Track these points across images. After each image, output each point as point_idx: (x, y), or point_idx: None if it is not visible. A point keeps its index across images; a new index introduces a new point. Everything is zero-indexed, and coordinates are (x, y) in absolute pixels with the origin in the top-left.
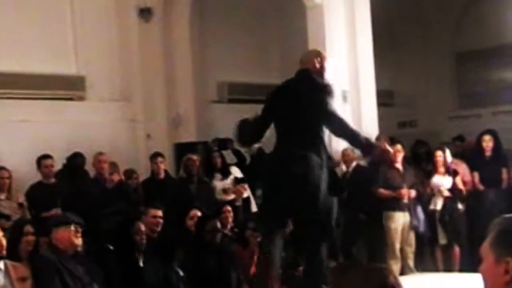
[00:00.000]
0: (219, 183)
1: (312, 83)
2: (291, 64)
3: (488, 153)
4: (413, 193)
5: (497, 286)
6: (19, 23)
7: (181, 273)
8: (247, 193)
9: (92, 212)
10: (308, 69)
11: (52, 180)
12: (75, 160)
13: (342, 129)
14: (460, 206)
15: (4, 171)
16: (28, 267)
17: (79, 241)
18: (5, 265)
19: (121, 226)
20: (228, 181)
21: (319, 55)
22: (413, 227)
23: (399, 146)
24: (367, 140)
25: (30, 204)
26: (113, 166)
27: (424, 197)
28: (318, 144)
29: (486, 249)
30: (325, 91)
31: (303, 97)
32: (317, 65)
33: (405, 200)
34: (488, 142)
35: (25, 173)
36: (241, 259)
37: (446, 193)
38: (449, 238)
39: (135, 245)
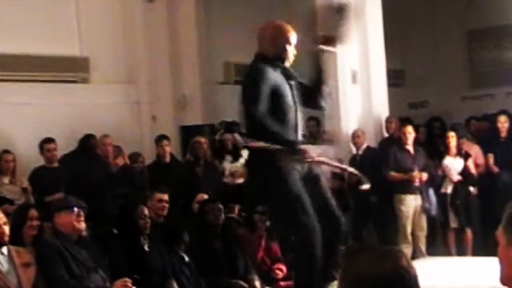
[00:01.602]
0: (228, 166)
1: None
2: None
3: (503, 134)
4: (424, 175)
5: (510, 270)
6: (21, 4)
7: (187, 258)
8: None
9: (96, 196)
10: (256, 53)
11: (56, 164)
12: (88, 141)
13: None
14: (472, 189)
15: (8, 154)
16: (32, 253)
17: (82, 225)
18: (9, 250)
19: (125, 210)
20: (238, 164)
21: (270, 33)
22: (424, 210)
23: (410, 128)
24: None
25: (33, 188)
26: (118, 149)
27: (436, 180)
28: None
29: (500, 232)
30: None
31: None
32: (269, 46)
33: (417, 183)
34: (503, 123)
35: (29, 157)
36: (248, 243)
37: (456, 178)
38: (461, 222)
39: (139, 229)
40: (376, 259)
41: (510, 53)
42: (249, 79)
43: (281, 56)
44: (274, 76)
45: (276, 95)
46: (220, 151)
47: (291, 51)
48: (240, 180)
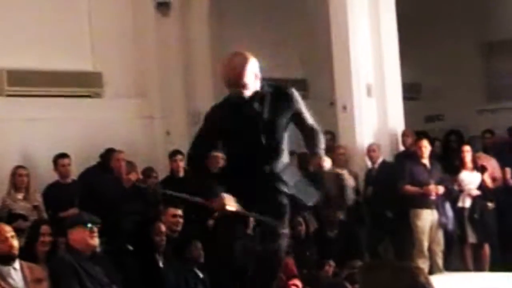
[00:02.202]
0: None
1: None
2: (313, 59)
3: None
4: (440, 189)
5: None
6: (34, 20)
7: (201, 275)
8: None
9: (110, 211)
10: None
11: (69, 179)
12: (109, 155)
13: None
14: (489, 204)
15: (22, 169)
16: (45, 269)
17: (95, 241)
18: (21, 266)
19: (141, 227)
20: None
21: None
22: (441, 224)
23: (425, 142)
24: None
25: (47, 204)
26: (130, 165)
27: (453, 194)
28: None
29: None
30: None
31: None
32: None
33: (433, 197)
34: None
35: (43, 172)
36: None
37: (475, 193)
38: (478, 237)
39: (155, 246)
40: (394, 275)
41: None
42: None
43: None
44: None
45: None
46: None
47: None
48: None
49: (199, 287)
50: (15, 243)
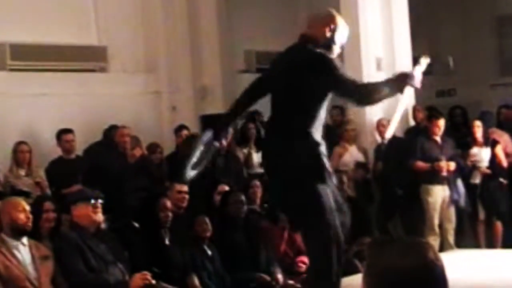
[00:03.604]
0: (255, 156)
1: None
2: None
3: None
4: (452, 165)
5: None
6: None
7: (210, 252)
8: None
9: (115, 188)
10: (307, 36)
11: (73, 155)
12: (112, 132)
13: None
14: (502, 180)
15: (24, 145)
16: (49, 245)
17: (99, 216)
18: (29, 242)
19: (146, 203)
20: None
21: (332, 22)
22: (453, 201)
23: (442, 121)
24: (396, 75)
25: (51, 180)
26: (135, 140)
27: (465, 170)
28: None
29: None
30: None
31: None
32: (327, 35)
33: (444, 173)
34: None
35: (46, 148)
36: (271, 236)
37: (484, 169)
38: (490, 214)
39: (160, 222)
40: (403, 251)
41: None
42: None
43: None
44: None
45: None
46: (243, 141)
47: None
48: None
49: (207, 265)
50: (31, 217)
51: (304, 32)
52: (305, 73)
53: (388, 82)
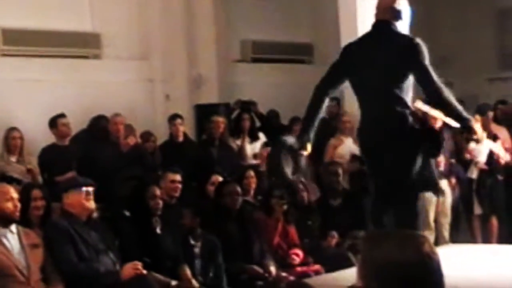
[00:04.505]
0: (248, 147)
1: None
2: (319, 23)
3: None
4: (449, 160)
5: None
6: None
7: (192, 241)
8: None
9: (107, 177)
10: (384, 21)
11: (67, 142)
12: (99, 123)
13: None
14: (499, 176)
15: (15, 131)
16: (39, 234)
17: (91, 204)
18: (17, 229)
19: (136, 191)
20: (258, 145)
21: (395, 2)
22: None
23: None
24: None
25: (43, 167)
26: (129, 128)
27: (462, 164)
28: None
29: None
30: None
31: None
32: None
33: (441, 168)
34: None
35: (38, 135)
36: (264, 227)
37: (481, 164)
38: (486, 209)
39: (151, 210)
40: (398, 245)
41: None
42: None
43: None
44: None
45: None
46: (237, 131)
47: None
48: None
49: (194, 257)
50: (19, 205)
51: (379, 18)
52: (402, 57)
53: (460, 109)
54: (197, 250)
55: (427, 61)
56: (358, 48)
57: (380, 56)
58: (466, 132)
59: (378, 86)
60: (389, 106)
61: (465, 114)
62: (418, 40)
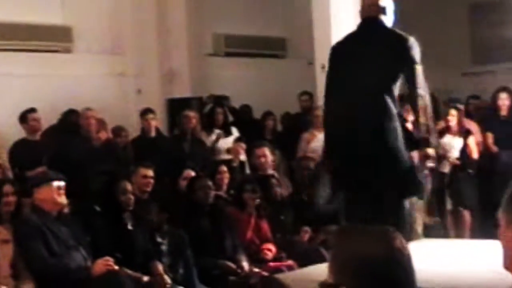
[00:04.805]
0: (221, 141)
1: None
2: (292, 17)
3: (503, 112)
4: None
5: (510, 252)
6: None
7: (159, 239)
8: (244, 154)
9: (79, 172)
10: (374, 17)
11: (37, 136)
12: (70, 117)
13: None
14: (470, 170)
15: None
16: (10, 229)
17: (63, 199)
18: None
19: (107, 186)
20: (230, 140)
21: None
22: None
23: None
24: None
25: (14, 162)
26: (101, 123)
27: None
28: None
29: (500, 214)
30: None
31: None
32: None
33: (415, 162)
34: (504, 100)
35: (8, 130)
36: (237, 222)
37: (454, 159)
38: (458, 203)
39: (122, 205)
40: (369, 240)
41: None
42: None
43: None
44: None
45: None
46: (209, 126)
47: None
48: (242, 157)
49: (162, 255)
50: None
51: (365, 15)
52: (394, 53)
53: (424, 129)
54: (164, 247)
55: (418, 60)
56: (347, 47)
57: (370, 54)
58: (422, 152)
59: (367, 85)
60: (376, 105)
61: (427, 135)
62: (411, 37)
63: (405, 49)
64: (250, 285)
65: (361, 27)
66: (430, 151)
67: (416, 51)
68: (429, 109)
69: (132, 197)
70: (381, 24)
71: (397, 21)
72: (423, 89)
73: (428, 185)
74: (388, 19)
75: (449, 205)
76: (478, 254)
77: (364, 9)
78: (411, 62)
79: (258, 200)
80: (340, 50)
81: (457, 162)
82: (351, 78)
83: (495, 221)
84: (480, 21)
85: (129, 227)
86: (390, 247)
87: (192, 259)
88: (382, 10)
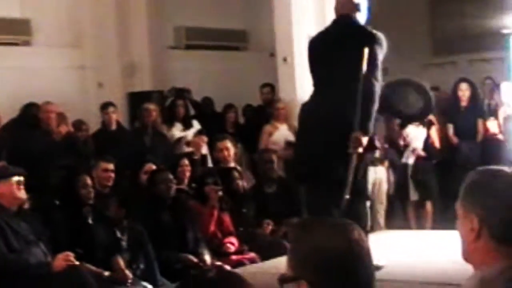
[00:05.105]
0: (179, 134)
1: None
2: (253, 9)
3: (464, 103)
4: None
5: (468, 243)
6: None
7: (119, 235)
8: (205, 147)
9: (39, 166)
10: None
11: None
12: (30, 111)
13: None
14: (433, 161)
15: None
16: None
17: (22, 193)
18: None
19: (67, 180)
20: (190, 134)
21: None
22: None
23: None
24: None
25: None
26: (61, 117)
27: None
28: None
29: (458, 205)
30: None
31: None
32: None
33: (377, 154)
34: (464, 92)
35: None
36: (200, 216)
37: (418, 150)
38: (421, 194)
39: (82, 200)
40: (327, 232)
41: (473, 20)
42: None
43: None
44: None
45: None
46: (170, 119)
47: None
48: (204, 150)
49: (122, 251)
50: None
51: (340, 12)
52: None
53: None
54: (124, 243)
55: (380, 56)
56: (320, 42)
57: (339, 51)
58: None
59: (336, 81)
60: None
61: (366, 124)
62: (380, 34)
63: (372, 42)
64: (208, 279)
65: (335, 24)
66: (358, 134)
67: (381, 46)
68: (375, 97)
69: (92, 191)
70: (353, 21)
71: (370, 17)
72: (375, 77)
73: (391, 177)
74: (361, 16)
75: (413, 197)
76: (439, 245)
77: (339, 6)
78: (372, 53)
79: (220, 193)
80: (314, 46)
81: (423, 153)
82: (325, 73)
83: (454, 212)
84: (440, 12)
85: (90, 221)
86: (347, 239)
87: (153, 253)
88: (356, 7)
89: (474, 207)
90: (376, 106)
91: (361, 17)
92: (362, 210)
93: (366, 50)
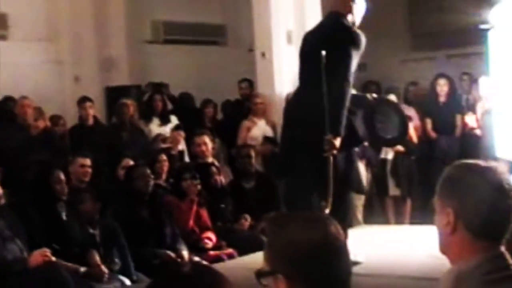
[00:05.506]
0: (156, 129)
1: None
2: (232, 4)
3: (442, 99)
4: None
5: (444, 236)
6: None
7: (91, 231)
8: (183, 143)
9: (15, 162)
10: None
11: None
12: (7, 105)
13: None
14: (412, 156)
15: None
16: None
17: None
18: None
19: (41, 175)
20: (167, 129)
21: None
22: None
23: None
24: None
25: None
26: (38, 111)
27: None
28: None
29: (435, 199)
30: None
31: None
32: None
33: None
34: (442, 87)
35: None
36: (177, 211)
37: (397, 148)
38: (400, 189)
39: (56, 195)
40: (303, 226)
41: (451, 15)
42: None
43: None
44: None
45: None
46: (148, 114)
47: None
48: (181, 146)
49: (96, 246)
50: None
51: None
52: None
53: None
54: (97, 238)
55: (354, 60)
56: (305, 39)
57: (316, 50)
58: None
59: (312, 80)
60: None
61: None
62: (359, 35)
63: (345, 40)
64: (182, 274)
65: (322, 21)
66: (330, 137)
67: (358, 48)
68: (345, 100)
69: (66, 186)
70: (340, 21)
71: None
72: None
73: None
74: (359, 7)
75: (392, 192)
76: (417, 240)
77: (329, 3)
78: (343, 51)
79: (199, 187)
80: (303, 40)
81: (402, 149)
82: (303, 70)
83: (432, 206)
84: (419, 7)
85: (63, 217)
86: (324, 233)
87: (127, 248)
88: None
89: (450, 200)
90: (346, 108)
91: (359, 8)
92: (348, 204)
93: (342, 53)
